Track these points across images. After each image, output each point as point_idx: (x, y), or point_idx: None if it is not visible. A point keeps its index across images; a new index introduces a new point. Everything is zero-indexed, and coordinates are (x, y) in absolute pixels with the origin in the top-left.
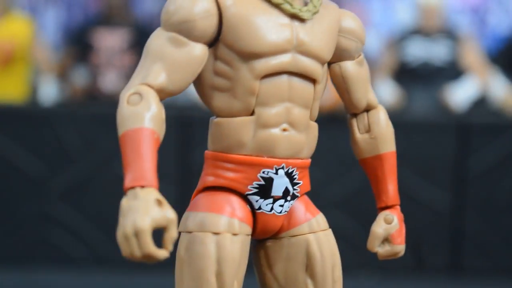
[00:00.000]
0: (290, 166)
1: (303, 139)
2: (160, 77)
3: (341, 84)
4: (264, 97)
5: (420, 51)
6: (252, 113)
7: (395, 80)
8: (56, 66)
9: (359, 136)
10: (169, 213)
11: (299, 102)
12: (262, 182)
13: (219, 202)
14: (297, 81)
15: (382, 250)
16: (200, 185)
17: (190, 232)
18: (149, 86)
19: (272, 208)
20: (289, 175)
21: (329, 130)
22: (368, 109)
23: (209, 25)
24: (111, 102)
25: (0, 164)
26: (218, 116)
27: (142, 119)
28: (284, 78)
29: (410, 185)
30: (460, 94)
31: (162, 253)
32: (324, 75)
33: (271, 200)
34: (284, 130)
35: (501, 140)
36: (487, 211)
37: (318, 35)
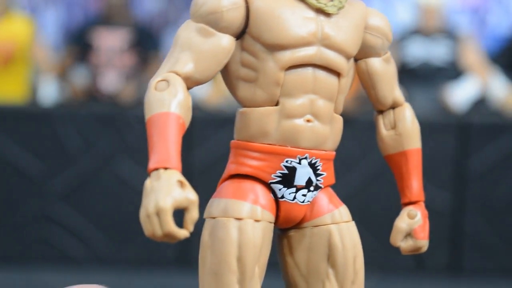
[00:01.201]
0: (314, 157)
1: (327, 131)
2: (187, 66)
3: (367, 80)
4: (288, 88)
5: (420, 51)
6: (277, 104)
7: None
8: (56, 66)
9: (385, 132)
10: (190, 194)
11: (323, 95)
12: (285, 171)
13: (242, 189)
14: (322, 74)
15: (405, 244)
16: (225, 173)
17: (214, 218)
18: (177, 74)
19: (294, 197)
20: (312, 165)
21: None
22: (394, 106)
23: (236, 17)
24: (111, 102)
25: (0, 164)
26: (243, 106)
27: (169, 104)
28: (309, 70)
29: None
30: (460, 94)
31: (183, 233)
32: (350, 70)
33: (294, 189)
34: (308, 121)
35: (501, 140)
36: (487, 211)
37: (343, 29)
